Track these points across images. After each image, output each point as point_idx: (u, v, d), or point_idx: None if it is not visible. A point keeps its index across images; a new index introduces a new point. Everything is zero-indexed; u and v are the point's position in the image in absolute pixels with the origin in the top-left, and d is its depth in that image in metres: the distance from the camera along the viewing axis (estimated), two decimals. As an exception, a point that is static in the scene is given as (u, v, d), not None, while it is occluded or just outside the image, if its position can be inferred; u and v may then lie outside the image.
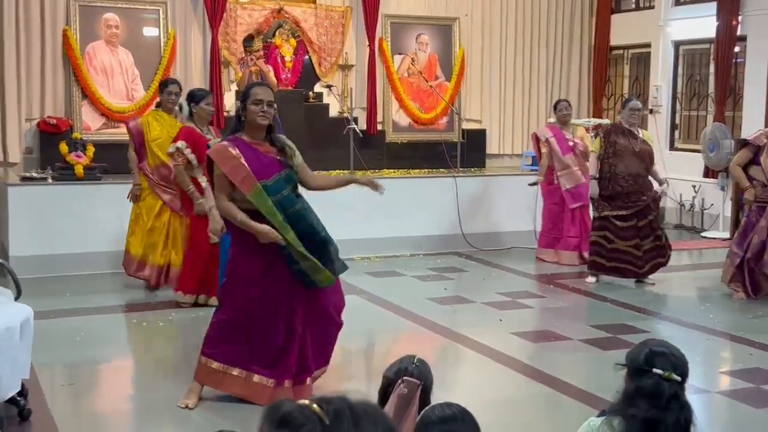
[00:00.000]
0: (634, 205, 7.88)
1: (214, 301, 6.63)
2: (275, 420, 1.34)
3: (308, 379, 4.77)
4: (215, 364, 4.71)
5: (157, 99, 8.01)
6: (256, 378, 4.69)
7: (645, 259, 7.98)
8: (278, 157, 4.63)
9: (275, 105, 4.65)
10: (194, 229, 6.74)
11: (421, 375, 2.89)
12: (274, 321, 4.64)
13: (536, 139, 9.40)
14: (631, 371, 2.64)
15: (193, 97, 6.87)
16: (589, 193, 8.43)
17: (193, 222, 6.77)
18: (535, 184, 9.26)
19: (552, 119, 9.84)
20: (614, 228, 7.93)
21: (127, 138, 7.62)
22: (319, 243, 4.62)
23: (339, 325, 4.94)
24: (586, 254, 8.61)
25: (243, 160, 4.48)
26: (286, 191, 4.59)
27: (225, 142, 4.62)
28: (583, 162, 8.95)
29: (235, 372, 4.70)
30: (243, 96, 4.62)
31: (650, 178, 8.05)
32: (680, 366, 2.63)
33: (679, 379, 2.59)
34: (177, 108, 7.23)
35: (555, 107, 9.30)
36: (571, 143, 8.99)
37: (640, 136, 8.04)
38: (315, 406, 1.34)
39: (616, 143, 7.91)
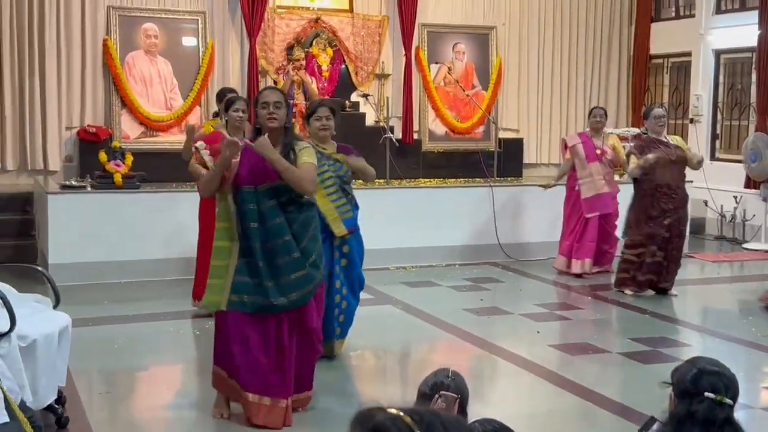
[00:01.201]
0: (674, 212, 7.74)
1: None
2: (367, 429, 1.34)
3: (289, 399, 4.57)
4: (224, 373, 4.61)
5: (214, 111, 7.70)
6: (250, 397, 4.52)
7: (669, 270, 7.85)
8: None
9: (286, 105, 4.49)
10: (206, 237, 6.62)
11: (457, 388, 2.85)
12: (262, 336, 4.49)
13: (564, 145, 9.32)
14: (679, 392, 2.50)
15: (221, 100, 6.86)
16: (608, 204, 8.42)
17: (206, 229, 6.67)
18: (547, 187, 9.11)
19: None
20: (651, 242, 7.79)
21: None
22: (284, 264, 4.39)
23: (318, 351, 4.81)
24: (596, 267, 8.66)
25: (236, 161, 4.40)
26: (271, 202, 4.38)
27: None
28: (610, 171, 8.84)
29: (232, 383, 4.59)
30: (254, 103, 4.56)
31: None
32: (732, 388, 2.48)
33: (731, 402, 2.45)
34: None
35: (589, 114, 9.18)
36: (598, 151, 8.83)
37: (672, 143, 7.89)
38: (408, 418, 1.34)
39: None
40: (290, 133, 4.55)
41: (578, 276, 8.69)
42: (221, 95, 7.26)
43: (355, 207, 5.75)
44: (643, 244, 7.76)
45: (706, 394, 2.42)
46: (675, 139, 8.08)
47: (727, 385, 2.46)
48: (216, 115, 7.56)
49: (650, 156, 7.60)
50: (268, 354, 4.50)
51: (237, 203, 4.40)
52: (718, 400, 2.42)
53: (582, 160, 8.81)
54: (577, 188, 8.85)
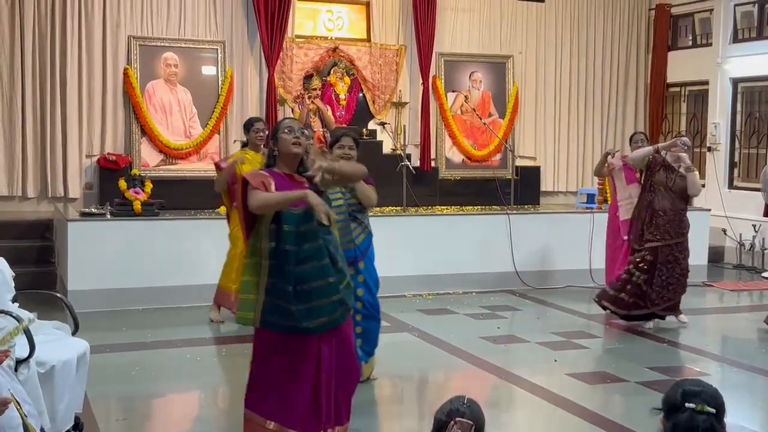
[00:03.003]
0: (661, 239, 7.70)
1: None
2: None
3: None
4: (257, 417, 4.38)
5: (243, 139, 7.87)
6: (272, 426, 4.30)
7: (661, 296, 7.73)
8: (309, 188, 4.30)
9: (307, 133, 4.49)
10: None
11: (473, 416, 2.86)
12: (304, 370, 4.32)
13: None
14: (666, 412, 2.61)
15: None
16: None
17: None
18: (610, 154, 8.90)
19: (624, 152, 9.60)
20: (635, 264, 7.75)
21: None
22: (316, 288, 4.27)
23: (356, 379, 4.61)
24: None
25: (273, 185, 4.35)
26: (314, 223, 4.24)
27: (260, 171, 4.50)
28: None
29: (272, 426, 4.35)
30: (273, 131, 4.44)
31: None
32: (715, 399, 2.57)
33: (713, 411, 2.53)
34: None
35: (630, 139, 9.10)
36: (638, 174, 8.80)
37: (680, 172, 7.87)
38: None
39: (653, 176, 7.80)
40: (303, 165, 4.46)
41: None
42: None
43: (370, 234, 5.74)
44: (632, 263, 7.79)
45: (687, 404, 2.53)
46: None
47: (709, 398, 2.55)
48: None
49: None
50: (304, 384, 4.31)
51: (275, 223, 4.24)
52: (698, 409, 2.51)
53: (622, 182, 8.77)
54: (617, 213, 8.78)
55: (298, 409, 4.30)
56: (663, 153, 7.81)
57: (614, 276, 8.68)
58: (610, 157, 8.82)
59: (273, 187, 4.21)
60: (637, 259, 7.73)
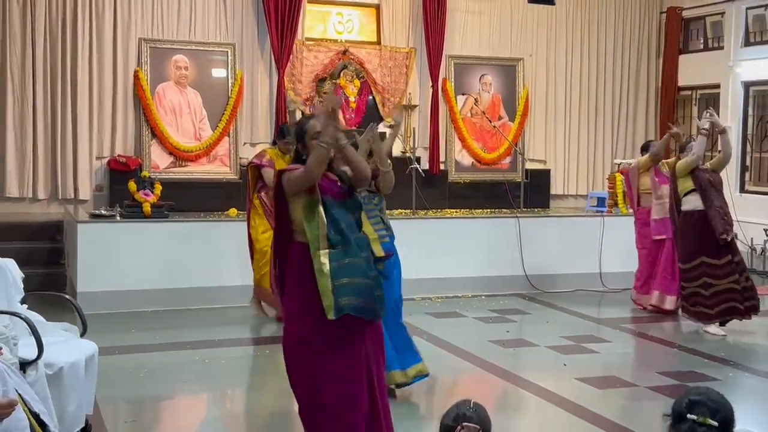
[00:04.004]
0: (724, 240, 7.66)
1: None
2: None
3: None
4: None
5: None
6: None
7: (745, 297, 7.69)
8: (340, 185, 4.32)
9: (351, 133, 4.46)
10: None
11: (479, 420, 2.85)
12: (359, 391, 4.13)
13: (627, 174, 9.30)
14: (672, 420, 2.60)
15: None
16: (669, 229, 8.31)
17: None
18: (676, 131, 8.64)
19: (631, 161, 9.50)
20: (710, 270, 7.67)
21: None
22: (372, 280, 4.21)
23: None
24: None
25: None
26: (357, 214, 4.31)
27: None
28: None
29: None
30: (299, 133, 4.34)
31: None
32: (720, 411, 2.53)
33: (715, 424, 2.50)
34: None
35: (647, 148, 9.01)
36: (667, 175, 8.74)
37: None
38: None
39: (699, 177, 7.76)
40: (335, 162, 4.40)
41: (669, 312, 8.53)
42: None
43: (392, 236, 5.75)
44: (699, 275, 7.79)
45: (689, 416, 2.51)
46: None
47: (714, 409, 2.52)
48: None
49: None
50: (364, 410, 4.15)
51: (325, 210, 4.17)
52: (699, 421, 2.49)
53: (655, 183, 8.72)
54: (653, 213, 8.67)
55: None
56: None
57: (651, 277, 8.61)
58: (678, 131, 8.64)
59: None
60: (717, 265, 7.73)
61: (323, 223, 4.11)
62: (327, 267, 4.06)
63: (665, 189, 8.60)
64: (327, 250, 4.09)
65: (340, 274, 4.06)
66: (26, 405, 3.55)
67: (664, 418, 2.66)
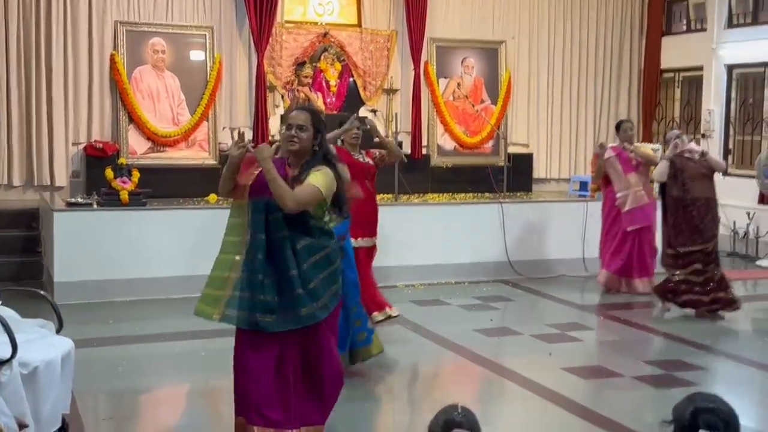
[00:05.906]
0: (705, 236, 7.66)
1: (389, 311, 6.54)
2: None
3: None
4: (238, 418, 4.38)
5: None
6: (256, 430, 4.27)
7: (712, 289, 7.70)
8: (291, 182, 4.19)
9: (312, 128, 4.18)
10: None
11: (469, 425, 2.77)
12: (264, 365, 4.33)
13: (594, 157, 9.25)
14: (674, 428, 2.50)
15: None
16: (649, 215, 8.32)
17: None
18: (603, 149, 8.76)
19: (614, 142, 9.47)
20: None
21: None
22: (286, 281, 4.19)
23: (334, 379, 4.44)
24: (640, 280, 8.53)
25: (255, 173, 4.24)
26: (280, 214, 4.15)
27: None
28: (647, 182, 8.70)
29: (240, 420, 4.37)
30: (282, 121, 4.42)
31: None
32: (731, 423, 2.47)
33: None
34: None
35: (618, 127, 8.97)
36: (634, 162, 8.69)
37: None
38: None
39: (683, 168, 7.71)
40: (317, 157, 4.22)
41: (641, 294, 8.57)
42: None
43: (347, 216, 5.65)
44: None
45: (701, 431, 2.43)
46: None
47: (726, 421, 2.46)
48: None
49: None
50: (269, 381, 4.30)
51: (249, 213, 4.20)
52: None
53: (619, 173, 8.66)
54: (617, 204, 8.68)
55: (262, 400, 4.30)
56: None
57: (620, 266, 8.63)
58: (604, 152, 8.69)
59: (256, 173, 4.16)
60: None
61: (244, 228, 4.28)
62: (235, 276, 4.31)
63: (632, 177, 8.57)
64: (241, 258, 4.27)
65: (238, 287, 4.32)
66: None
67: (662, 424, 2.57)
